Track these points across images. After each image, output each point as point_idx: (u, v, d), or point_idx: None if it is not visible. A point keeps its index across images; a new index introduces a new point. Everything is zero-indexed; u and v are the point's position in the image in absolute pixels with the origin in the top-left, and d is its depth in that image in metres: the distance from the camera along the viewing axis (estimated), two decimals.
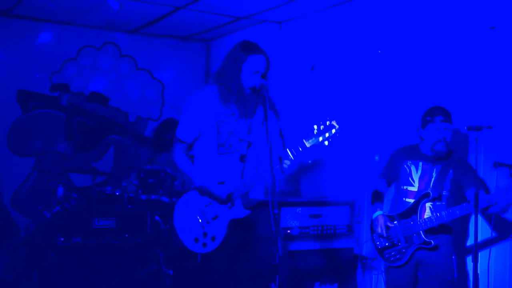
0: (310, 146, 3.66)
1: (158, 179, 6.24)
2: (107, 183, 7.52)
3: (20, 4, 6.90)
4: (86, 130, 7.96)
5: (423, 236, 4.37)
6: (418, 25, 5.54)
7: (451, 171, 4.41)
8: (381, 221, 4.53)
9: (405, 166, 4.55)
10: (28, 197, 7.52)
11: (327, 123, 3.62)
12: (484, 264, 4.59)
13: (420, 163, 4.49)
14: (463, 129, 4.29)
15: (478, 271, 3.95)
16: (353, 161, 6.14)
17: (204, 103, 3.95)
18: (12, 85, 7.53)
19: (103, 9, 7.02)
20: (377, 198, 4.71)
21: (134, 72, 8.32)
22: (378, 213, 4.60)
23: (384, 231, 4.51)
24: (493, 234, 4.73)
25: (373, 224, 4.63)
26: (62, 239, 5.10)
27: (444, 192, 4.41)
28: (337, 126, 3.63)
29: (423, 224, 4.35)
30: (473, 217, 4.08)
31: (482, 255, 4.63)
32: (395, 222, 4.50)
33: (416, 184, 4.49)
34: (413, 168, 4.52)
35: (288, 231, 5.32)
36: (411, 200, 4.48)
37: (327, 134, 3.62)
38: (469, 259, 4.97)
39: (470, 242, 5.01)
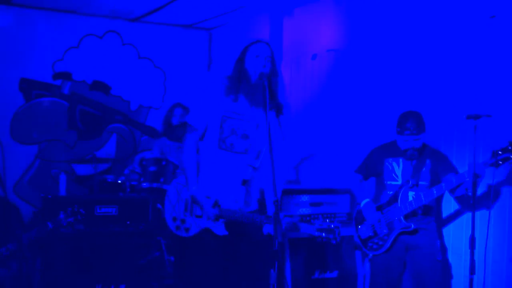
0: None
1: (160, 167, 6.27)
2: (109, 172, 7.57)
3: None
4: (89, 118, 7.99)
5: (403, 221, 4.55)
6: (417, 16, 5.55)
7: (428, 161, 4.67)
8: (371, 209, 4.73)
9: (387, 163, 4.79)
10: (30, 185, 7.57)
11: None
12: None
13: (400, 160, 4.74)
14: (462, 118, 4.34)
15: (475, 257, 4.06)
16: (351, 150, 6.17)
17: (211, 94, 3.95)
18: (14, 74, 7.56)
19: None
20: (363, 190, 4.94)
21: (136, 60, 8.34)
22: (366, 201, 4.81)
23: (376, 219, 4.68)
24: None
25: (361, 213, 4.81)
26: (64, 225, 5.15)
27: (423, 182, 4.64)
28: None
29: (403, 209, 4.54)
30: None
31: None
32: (381, 211, 4.69)
33: (400, 178, 4.72)
34: (394, 165, 4.77)
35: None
36: None
37: None
38: (444, 230, 5.18)
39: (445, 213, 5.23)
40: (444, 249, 5.14)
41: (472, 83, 5.03)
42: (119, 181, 6.39)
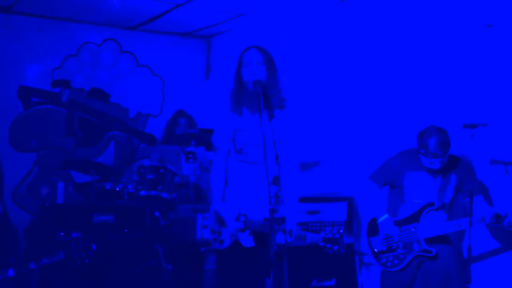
0: None
1: (158, 175, 6.26)
2: (107, 179, 7.57)
3: (21, 0, 6.94)
4: (87, 126, 7.99)
5: (424, 244, 4.38)
6: (414, 24, 5.57)
7: (453, 177, 4.42)
8: (390, 224, 4.51)
9: (408, 177, 4.51)
10: (29, 193, 7.57)
11: None
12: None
13: (423, 174, 4.47)
14: (459, 127, 4.34)
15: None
16: (350, 158, 6.17)
17: (221, 112, 3.97)
18: (13, 81, 7.56)
19: (104, 6, 7.07)
20: (378, 199, 4.67)
21: (135, 68, 8.36)
22: (385, 216, 4.57)
23: (396, 235, 4.48)
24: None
25: (377, 226, 4.60)
26: (62, 234, 5.15)
27: (447, 199, 4.42)
28: None
29: (425, 232, 4.35)
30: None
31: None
32: (398, 228, 4.50)
33: (421, 194, 4.47)
34: (417, 180, 4.48)
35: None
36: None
37: None
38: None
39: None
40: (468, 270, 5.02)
41: (469, 92, 5.04)
42: (117, 189, 6.37)
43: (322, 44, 6.69)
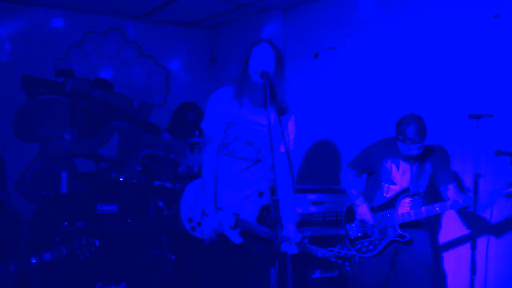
0: None
1: (162, 165, 6.25)
2: (111, 169, 7.56)
3: None
4: (91, 116, 7.99)
5: (398, 230, 4.45)
6: (420, 13, 5.54)
7: (429, 166, 4.52)
8: (366, 210, 4.59)
9: (385, 164, 4.60)
10: (33, 183, 7.58)
11: None
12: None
13: (400, 161, 4.55)
14: (465, 117, 4.34)
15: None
16: (351, 148, 6.16)
17: (220, 102, 3.87)
18: (17, 71, 7.55)
19: None
20: (355, 187, 4.74)
21: (139, 58, 8.34)
22: (361, 202, 4.64)
23: (371, 220, 4.56)
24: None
25: (352, 212, 4.69)
26: (66, 223, 5.15)
27: (422, 188, 4.51)
28: None
29: (400, 218, 4.44)
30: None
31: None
32: (374, 213, 4.58)
33: (398, 181, 4.55)
34: (393, 167, 4.57)
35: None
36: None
37: None
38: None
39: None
40: (440, 258, 5.12)
41: (475, 82, 5.02)
42: (121, 179, 6.37)
43: (327, 35, 6.67)
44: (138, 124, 8.30)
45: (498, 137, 4.69)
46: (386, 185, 4.60)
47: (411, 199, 4.49)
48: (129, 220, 5.47)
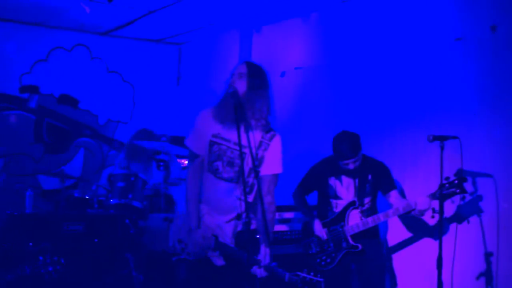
0: None
1: (129, 183, 6.24)
2: (76, 186, 7.50)
3: None
4: (56, 132, 7.91)
5: (351, 241, 4.64)
6: (384, 33, 5.65)
7: (369, 176, 4.73)
8: (319, 226, 4.77)
9: (330, 182, 4.79)
10: None
11: None
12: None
13: (342, 177, 4.75)
14: (429, 138, 4.44)
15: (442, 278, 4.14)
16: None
17: (205, 120, 3.81)
18: None
19: (75, 11, 7.02)
20: (306, 205, 4.97)
21: (105, 74, 8.30)
22: (313, 219, 4.83)
23: (325, 235, 4.73)
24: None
25: (307, 229, 4.86)
26: (31, 244, 5.08)
27: (367, 197, 4.72)
28: None
29: (350, 230, 4.64)
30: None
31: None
32: (327, 228, 4.75)
33: (343, 196, 4.76)
34: (338, 183, 4.77)
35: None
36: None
37: None
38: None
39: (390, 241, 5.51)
40: (389, 259, 5.36)
41: (438, 103, 5.13)
42: (87, 197, 6.33)
43: (292, 58, 6.75)
44: (103, 141, 8.24)
45: (463, 157, 4.78)
46: (333, 200, 4.80)
47: (357, 211, 4.68)
48: (96, 239, 5.42)
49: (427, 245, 5.14)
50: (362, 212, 4.68)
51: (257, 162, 3.65)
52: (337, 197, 4.76)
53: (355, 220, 4.65)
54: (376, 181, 4.72)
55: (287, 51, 6.85)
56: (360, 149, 4.60)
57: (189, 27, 7.64)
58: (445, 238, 4.51)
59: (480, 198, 4.75)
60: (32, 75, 7.76)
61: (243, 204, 3.56)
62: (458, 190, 4.31)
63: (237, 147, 3.57)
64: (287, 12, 6.62)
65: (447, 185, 4.33)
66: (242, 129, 3.48)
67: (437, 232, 4.49)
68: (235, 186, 3.72)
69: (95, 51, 8.20)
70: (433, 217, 4.47)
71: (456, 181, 4.32)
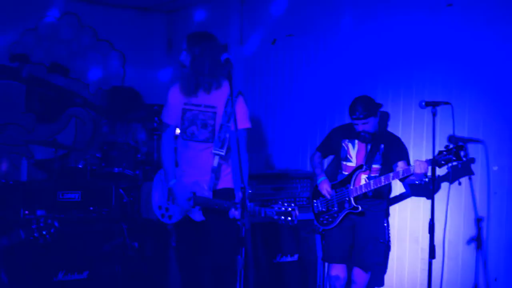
0: None
1: (121, 151, 6.24)
2: (69, 156, 7.50)
3: None
4: (47, 102, 7.87)
5: (353, 202, 4.86)
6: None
7: (382, 145, 4.92)
8: (326, 185, 5.00)
9: (343, 144, 5.06)
10: None
11: None
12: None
13: (356, 141, 4.99)
14: (422, 104, 4.49)
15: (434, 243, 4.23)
16: (311, 135, 6.28)
17: (176, 92, 4.21)
18: None
19: None
20: (320, 167, 5.19)
21: (95, 43, 8.24)
22: (322, 178, 5.06)
23: (328, 195, 4.97)
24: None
25: (317, 189, 5.09)
26: (26, 212, 5.11)
27: (376, 165, 4.92)
28: None
29: (353, 191, 4.85)
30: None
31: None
32: (334, 190, 4.98)
33: (354, 159, 5.01)
34: (350, 146, 5.03)
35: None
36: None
37: None
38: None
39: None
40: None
41: (430, 70, 5.16)
42: (80, 166, 6.33)
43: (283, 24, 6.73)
44: (94, 110, 8.21)
45: (455, 123, 4.82)
46: (344, 163, 5.05)
47: (367, 175, 4.88)
48: (91, 208, 5.46)
49: (420, 204, 5.24)
50: (369, 178, 4.85)
51: (227, 118, 4.05)
52: (347, 159, 5.01)
53: (360, 183, 4.87)
54: (387, 152, 4.92)
55: (278, 18, 6.80)
56: (370, 114, 4.81)
57: None
58: (437, 202, 4.52)
59: (472, 160, 4.83)
60: (21, 44, 7.68)
61: (217, 157, 4.03)
62: (454, 158, 4.40)
63: (208, 109, 4.06)
64: None
65: (445, 152, 4.43)
66: (205, 92, 4.06)
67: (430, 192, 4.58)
68: (210, 145, 4.09)
69: (84, 19, 8.12)
70: (426, 178, 4.63)
71: (454, 149, 4.40)
